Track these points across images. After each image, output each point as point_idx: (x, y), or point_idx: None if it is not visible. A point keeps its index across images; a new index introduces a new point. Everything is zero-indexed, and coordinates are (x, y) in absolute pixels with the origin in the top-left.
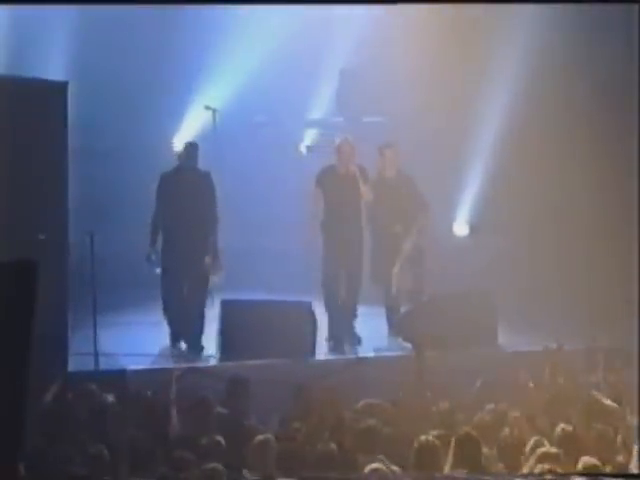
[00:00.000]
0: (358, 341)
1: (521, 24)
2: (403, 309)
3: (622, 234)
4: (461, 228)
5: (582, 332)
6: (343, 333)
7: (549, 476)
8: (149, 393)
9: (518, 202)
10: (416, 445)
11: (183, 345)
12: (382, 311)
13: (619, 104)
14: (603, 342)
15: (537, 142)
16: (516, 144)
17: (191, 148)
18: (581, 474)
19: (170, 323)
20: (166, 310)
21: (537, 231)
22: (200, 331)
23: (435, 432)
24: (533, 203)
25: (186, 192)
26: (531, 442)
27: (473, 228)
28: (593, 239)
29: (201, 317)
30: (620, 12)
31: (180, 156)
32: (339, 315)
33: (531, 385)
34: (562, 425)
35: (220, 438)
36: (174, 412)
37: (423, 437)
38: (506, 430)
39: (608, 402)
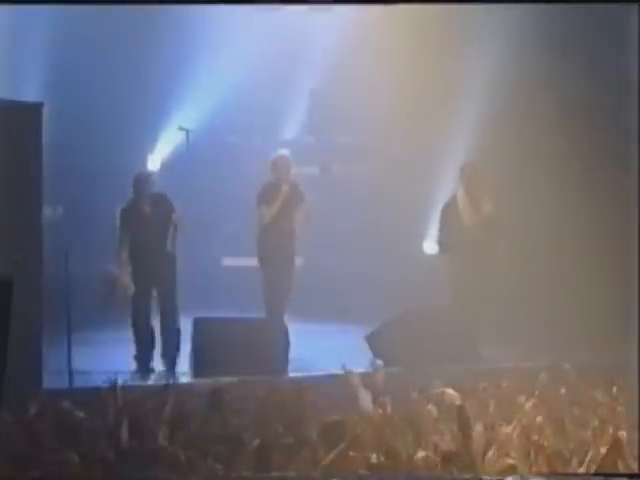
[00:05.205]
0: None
1: (518, 26)
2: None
3: (615, 245)
4: (430, 246)
5: (575, 349)
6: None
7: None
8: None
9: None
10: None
11: (157, 363)
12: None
13: (619, 105)
14: (601, 358)
15: (514, 159)
16: (490, 163)
17: (142, 181)
18: (581, 474)
19: (142, 342)
20: (136, 330)
21: (520, 246)
22: (177, 349)
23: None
24: (509, 219)
25: (146, 219)
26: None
27: (443, 246)
28: (584, 253)
29: (177, 335)
30: (620, 12)
31: (135, 188)
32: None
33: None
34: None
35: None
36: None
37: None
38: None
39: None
